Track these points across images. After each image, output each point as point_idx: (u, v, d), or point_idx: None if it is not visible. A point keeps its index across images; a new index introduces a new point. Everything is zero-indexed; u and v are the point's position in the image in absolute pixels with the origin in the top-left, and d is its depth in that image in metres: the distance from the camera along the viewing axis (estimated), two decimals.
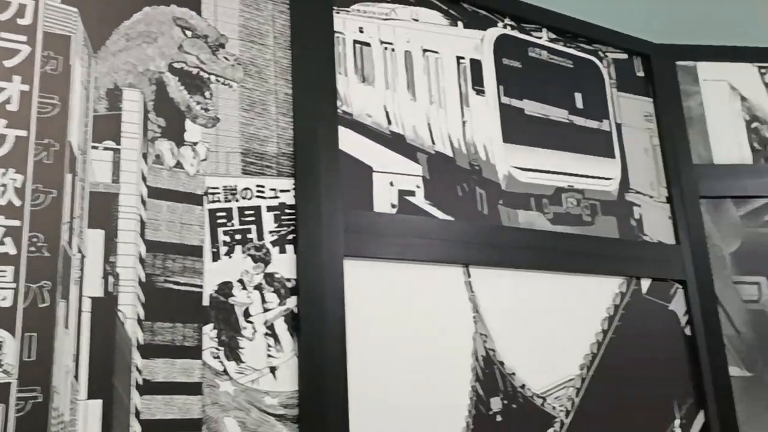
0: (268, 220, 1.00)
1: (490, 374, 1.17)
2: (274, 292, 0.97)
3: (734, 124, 1.66)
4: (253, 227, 0.99)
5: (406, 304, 1.11)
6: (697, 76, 1.67)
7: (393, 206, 1.14)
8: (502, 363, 1.18)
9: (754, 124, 1.67)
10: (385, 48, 1.21)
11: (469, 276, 1.20)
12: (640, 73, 1.63)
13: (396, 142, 1.18)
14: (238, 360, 0.92)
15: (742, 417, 1.44)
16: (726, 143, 1.65)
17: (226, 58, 1.04)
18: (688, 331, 1.47)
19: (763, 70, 1.70)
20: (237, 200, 0.98)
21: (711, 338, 1.47)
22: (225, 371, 0.91)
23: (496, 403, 1.15)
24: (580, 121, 1.49)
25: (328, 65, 1.11)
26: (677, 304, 1.48)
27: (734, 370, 1.47)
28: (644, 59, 1.64)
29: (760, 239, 1.58)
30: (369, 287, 1.07)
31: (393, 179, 1.15)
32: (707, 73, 1.68)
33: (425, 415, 1.07)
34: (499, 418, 1.14)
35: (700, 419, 1.41)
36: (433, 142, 1.23)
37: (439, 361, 1.11)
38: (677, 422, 1.37)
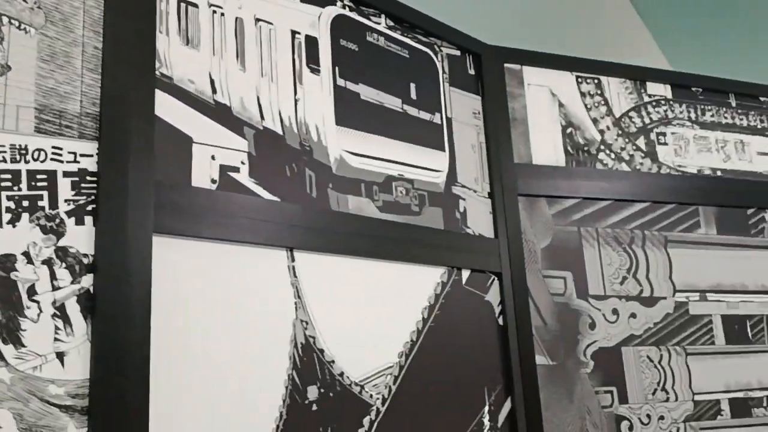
0: (65, 187, 0.88)
1: (309, 362, 1.13)
2: (66, 268, 0.86)
3: (552, 129, 1.77)
4: (45, 194, 0.86)
5: (223, 288, 1.04)
6: (523, 79, 1.76)
7: (213, 182, 1.06)
8: (321, 351, 1.15)
9: (569, 130, 1.79)
10: (214, 11, 1.12)
11: (293, 260, 1.15)
12: (471, 71, 1.68)
13: (221, 113, 1.10)
14: (17, 344, 0.80)
15: (545, 402, 1.53)
16: (544, 145, 1.75)
17: (24, 0, 0.90)
18: (501, 321, 1.53)
19: (579, 80, 1.82)
20: (27, 162, 0.85)
21: (521, 328, 1.55)
22: (1, 356, 0.78)
23: (312, 392, 1.11)
24: (413, 111, 1.50)
25: (147, 21, 1.00)
26: (493, 295, 1.54)
27: (540, 359, 1.56)
28: (475, 58, 1.69)
29: (567, 236, 1.70)
30: (182, 268, 0.98)
31: (215, 153, 1.06)
32: (532, 78, 1.77)
33: (237, 405, 1.01)
34: (314, 407, 1.11)
35: (507, 405, 1.48)
36: (262, 118, 1.16)
37: (255, 349, 1.05)
38: (486, 408, 1.43)
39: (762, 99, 2.09)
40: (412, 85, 1.51)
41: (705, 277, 1.82)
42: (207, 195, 1.03)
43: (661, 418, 1.65)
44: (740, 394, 1.76)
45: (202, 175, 1.05)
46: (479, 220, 1.58)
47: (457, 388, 1.39)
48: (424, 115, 1.52)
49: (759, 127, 2.06)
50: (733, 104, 2.04)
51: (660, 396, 1.67)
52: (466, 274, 1.49)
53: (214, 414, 0.97)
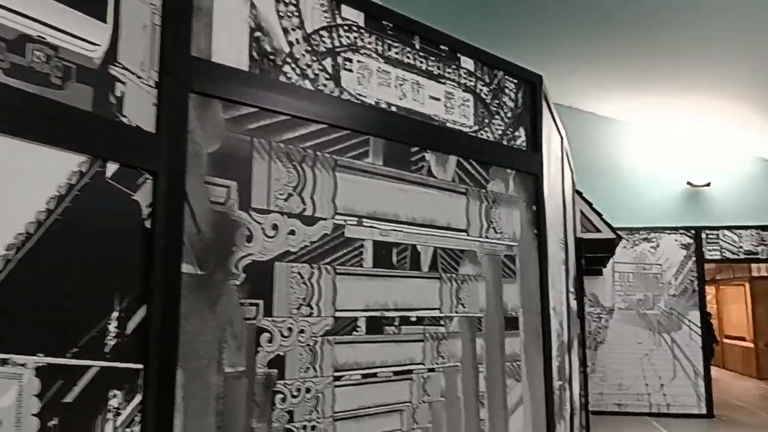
0: None
1: None
2: None
3: (239, 28, 1.65)
4: None
5: None
6: None
7: None
8: None
9: (257, 34, 1.69)
10: None
11: None
12: None
13: None
14: None
15: (186, 312, 1.46)
16: (228, 45, 1.63)
17: None
18: (149, 224, 1.41)
19: None
20: None
21: (171, 234, 1.44)
22: None
23: None
24: None
25: None
26: (143, 195, 1.40)
27: (187, 268, 1.48)
28: None
29: (238, 145, 1.62)
30: None
31: None
32: None
33: None
34: None
35: (141, 313, 1.37)
36: None
37: None
38: (115, 314, 1.31)
39: (441, 47, 2.23)
40: None
41: (364, 204, 1.91)
42: None
43: (302, 331, 1.71)
44: (376, 314, 1.90)
45: None
46: (139, 111, 1.41)
47: (80, 290, 1.24)
48: None
49: (435, 73, 2.21)
50: (417, 46, 2.15)
51: (304, 311, 1.72)
52: (112, 167, 1.33)
53: None
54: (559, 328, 3.09)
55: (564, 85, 8.42)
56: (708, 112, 8.03)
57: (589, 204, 5.38)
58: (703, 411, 8.43)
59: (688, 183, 8.89)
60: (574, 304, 4.37)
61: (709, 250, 8.83)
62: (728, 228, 8.82)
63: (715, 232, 8.83)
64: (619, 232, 8.78)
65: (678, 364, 8.60)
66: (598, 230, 5.37)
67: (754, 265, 13.89)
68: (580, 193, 5.34)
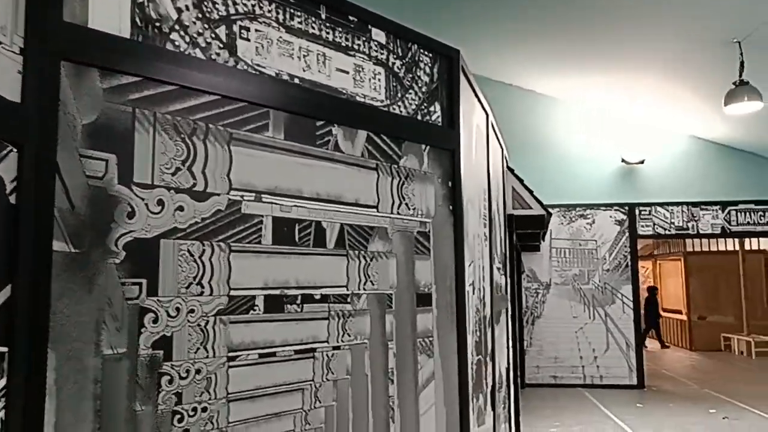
0: None
1: None
2: None
3: None
4: None
5: None
6: None
7: None
8: None
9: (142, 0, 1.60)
10: None
11: None
12: None
13: None
14: None
15: (58, 292, 1.39)
16: (107, 10, 1.53)
17: None
18: (14, 199, 1.32)
19: None
20: None
21: (40, 210, 1.36)
22: None
23: None
24: None
25: None
26: (6, 169, 1.31)
27: (59, 245, 1.40)
28: None
29: (118, 116, 1.54)
30: None
31: None
32: None
33: None
34: None
35: (5, 293, 1.30)
36: None
37: None
38: None
39: (350, 18, 2.17)
40: None
41: (264, 179, 1.86)
42: None
43: (192, 311, 1.65)
44: (276, 292, 1.86)
45: None
46: (2, 79, 1.32)
47: None
48: None
49: (343, 44, 2.15)
50: (323, 16, 2.08)
51: (194, 290, 1.66)
52: None
53: None
54: (478, 304, 3.11)
55: (505, 63, 8.47)
56: (642, 91, 8.19)
57: (521, 181, 5.43)
58: (635, 382, 8.73)
59: (623, 160, 9.09)
60: (502, 279, 4.42)
61: (642, 226, 9.08)
62: (660, 204, 9.08)
63: (648, 208, 9.08)
64: (553, 209, 8.94)
65: (611, 337, 8.86)
66: (529, 207, 5.44)
67: (688, 241, 14.38)
68: (511, 170, 5.39)
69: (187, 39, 1.71)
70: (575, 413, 6.93)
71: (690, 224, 9.03)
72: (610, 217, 9.07)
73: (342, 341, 2.07)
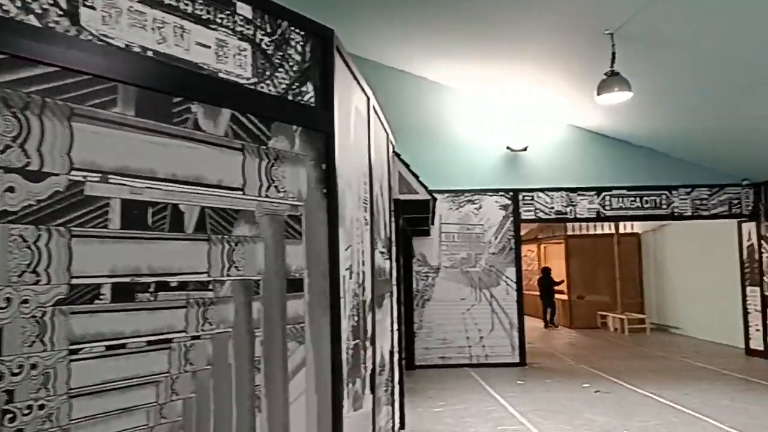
0: None
1: None
2: None
3: None
4: None
5: None
6: None
7: None
8: None
9: None
10: None
11: None
12: None
13: None
14: None
15: None
16: None
17: None
18: None
19: None
20: None
21: None
22: None
23: None
24: None
25: None
26: None
27: None
28: None
29: None
30: None
31: None
32: None
33: None
34: None
35: None
36: None
37: None
38: None
39: None
40: None
41: (111, 159, 1.72)
42: None
43: (25, 301, 1.51)
44: (126, 279, 1.74)
45: None
46: None
47: None
48: None
49: (204, 17, 2.04)
50: None
51: (28, 278, 1.52)
52: None
53: None
54: (357, 288, 3.09)
55: (396, 49, 8.50)
56: (524, 80, 8.47)
57: (407, 166, 5.47)
58: (517, 360, 9.10)
59: (508, 148, 9.39)
60: (386, 263, 4.43)
61: (525, 211, 9.44)
62: (542, 190, 9.46)
63: (531, 194, 9.44)
64: (443, 194, 9.12)
65: (496, 318, 9.18)
66: (415, 192, 5.49)
67: (569, 224, 15.13)
68: (398, 155, 5.41)
69: (19, 3, 1.54)
70: (460, 392, 7.13)
71: (569, 209, 9.47)
72: (496, 202, 9.37)
73: (202, 330, 1.97)
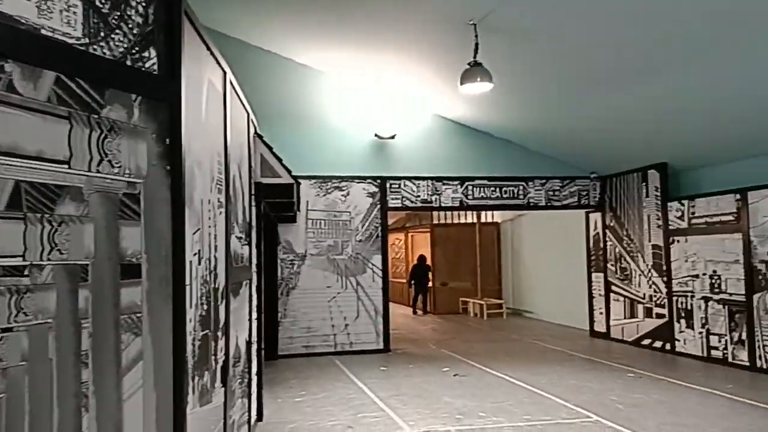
0: None
1: None
2: None
3: None
4: None
5: None
6: None
7: None
8: None
9: None
10: None
11: None
12: None
13: None
14: None
15: None
16: None
17: None
18: None
19: None
20: None
21: None
22: None
23: None
24: None
25: None
26: None
27: None
28: None
29: None
30: None
31: None
32: None
33: None
34: None
35: None
36: None
37: None
38: None
39: None
40: None
41: None
42: None
43: None
44: None
45: None
46: None
47: None
48: None
49: None
50: None
51: None
52: None
53: None
54: (207, 275, 2.90)
55: (264, 29, 8.21)
56: (392, 68, 8.50)
57: (270, 148, 5.27)
58: (381, 346, 9.19)
59: (376, 135, 9.41)
60: (244, 249, 4.24)
61: (392, 199, 9.52)
62: (409, 179, 9.59)
63: (398, 182, 9.54)
64: (310, 180, 8.99)
65: (361, 305, 9.21)
66: (278, 175, 5.31)
67: (435, 213, 15.53)
68: (260, 137, 5.20)
69: None
70: (323, 381, 7.06)
71: (434, 198, 9.67)
72: (364, 189, 9.37)
73: (15, 321, 1.72)
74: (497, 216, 15.52)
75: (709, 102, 6.87)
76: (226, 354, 3.37)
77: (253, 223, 4.88)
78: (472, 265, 15.20)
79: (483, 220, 15.52)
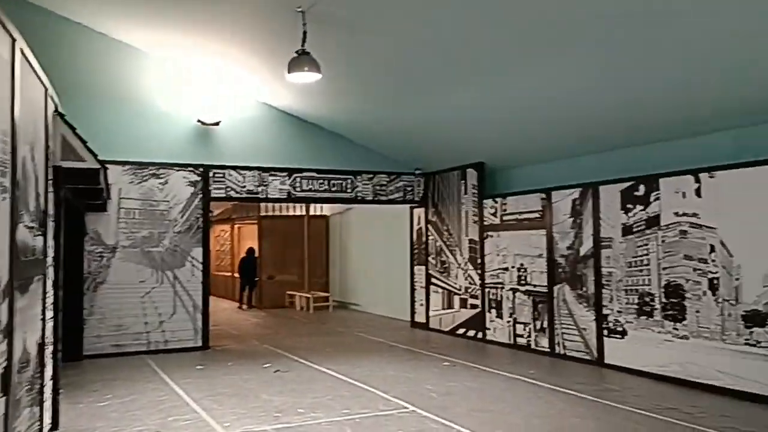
0: None
1: None
2: None
3: None
4: None
5: None
6: None
7: None
8: None
9: None
10: None
11: None
12: None
13: None
14: None
15: None
16: None
17: None
18: None
19: None
20: None
21: None
22: None
23: None
24: None
25: None
26: None
27: None
28: None
29: None
30: None
31: None
32: None
33: None
34: None
35: None
36: None
37: None
38: None
39: None
40: None
41: None
42: None
43: None
44: None
45: None
46: None
47: None
48: None
49: None
50: None
51: None
52: None
53: None
54: None
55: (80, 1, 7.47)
56: (220, 53, 8.10)
57: (73, 129, 4.75)
58: (200, 344, 8.78)
59: (199, 121, 8.94)
60: (36, 241, 3.77)
61: (216, 189, 9.13)
62: (234, 168, 9.25)
63: (222, 171, 9.16)
64: (124, 166, 8.33)
65: (179, 301, 8.73)
66: (82, 159, 4.81)
67: (263, 205, 15.20)
68: (62, 116, 4.67)
69: None
70: (132, 383, 6.56)
71: (261, 189, 9.41)
72: (184, 177, 8.86)
73: None
74: (326, 209, 15.56)
75: (519, 109, 7.35)
76: (9, 359, 2.95)
77: (51, 211, 4.37)
78: (300, 258, 15.10)
79: (312, 212, 15.47)
